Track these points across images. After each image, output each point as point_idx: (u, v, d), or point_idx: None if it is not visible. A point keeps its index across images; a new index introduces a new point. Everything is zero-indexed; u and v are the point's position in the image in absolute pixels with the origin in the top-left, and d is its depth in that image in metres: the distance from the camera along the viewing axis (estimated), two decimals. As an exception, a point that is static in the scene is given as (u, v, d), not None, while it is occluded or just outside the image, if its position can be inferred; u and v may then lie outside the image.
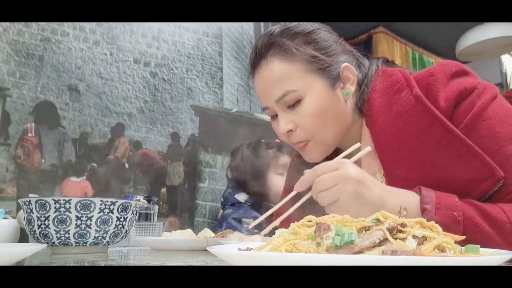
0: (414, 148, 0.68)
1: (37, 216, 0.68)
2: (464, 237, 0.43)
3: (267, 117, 2.16)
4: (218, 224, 1.56)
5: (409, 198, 0.64)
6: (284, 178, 1.38)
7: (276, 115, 0.79)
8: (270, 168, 1.52)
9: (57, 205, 0.67)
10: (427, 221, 0.59)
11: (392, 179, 0.71)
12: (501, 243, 0.59)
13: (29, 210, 0.70)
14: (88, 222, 0.69)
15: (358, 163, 0.73)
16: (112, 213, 0.71)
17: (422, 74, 0.73)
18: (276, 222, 0.67)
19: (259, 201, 1.50)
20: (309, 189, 0.67)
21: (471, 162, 0.64)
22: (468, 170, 0.64)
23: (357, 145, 0.71)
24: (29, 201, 0.69)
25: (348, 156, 0.69)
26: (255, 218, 1.40)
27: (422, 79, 0.71)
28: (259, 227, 1.42)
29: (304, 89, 0.74)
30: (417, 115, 0.68)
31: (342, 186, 0.62)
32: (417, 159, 0.68)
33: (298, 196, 0.69)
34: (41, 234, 0.69)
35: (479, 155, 0.64)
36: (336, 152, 0.77)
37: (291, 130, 0.76)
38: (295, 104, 0.75)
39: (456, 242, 0.41)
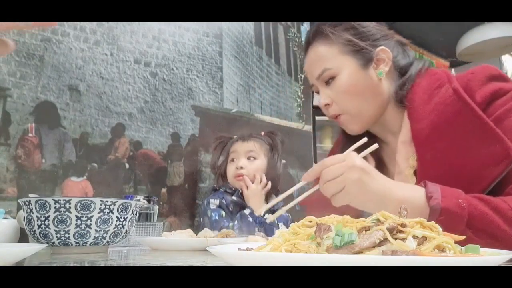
0: (444, 134, 0.74)
1: (37, 216, 0.68)
2: (464, 237, 0.43)
3: (267, 118, 2.16)
4: None
5: (415, 191, 0.68)
6: (233, 164, 1.56)
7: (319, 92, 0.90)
8: (226, 156, 1.64)
9: (57, 205, 0.67)
10: (433, 208, 0.63)
11: (422, 163, 0.77)
12: (507, 229, 0.63)
13: (29, 210, 0.70)
14: (88, 222, 0.69)
15: (393, 150, 0.86)
16: (112, 213, 0.71)
17: (464, 73, 0.79)
18: (283, 210, 0.71)
19: (222, 184, 1.59)
20: (317, 181, 0.71)
21: (492, 145, 0.69)
22: (487, 153, 0.69)
23: (364, 139, 0.77)
24: (29, 201, 0.69)
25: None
26: (223, 199, 1.48)
27: (463, 76, 0.78)
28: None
29: (339, 67, 0.85)
30: (451, 104, 0.74)
31: (348, 174, 0.67)
32: (444, 145, 0.73)
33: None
34: (41, 234, 0.69)
35: (499, 137, 0.68)
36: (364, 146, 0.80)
37: (328, 104, 0.88)
38: (329, 80, 0.86)
39: (456, 242, 0.41)
